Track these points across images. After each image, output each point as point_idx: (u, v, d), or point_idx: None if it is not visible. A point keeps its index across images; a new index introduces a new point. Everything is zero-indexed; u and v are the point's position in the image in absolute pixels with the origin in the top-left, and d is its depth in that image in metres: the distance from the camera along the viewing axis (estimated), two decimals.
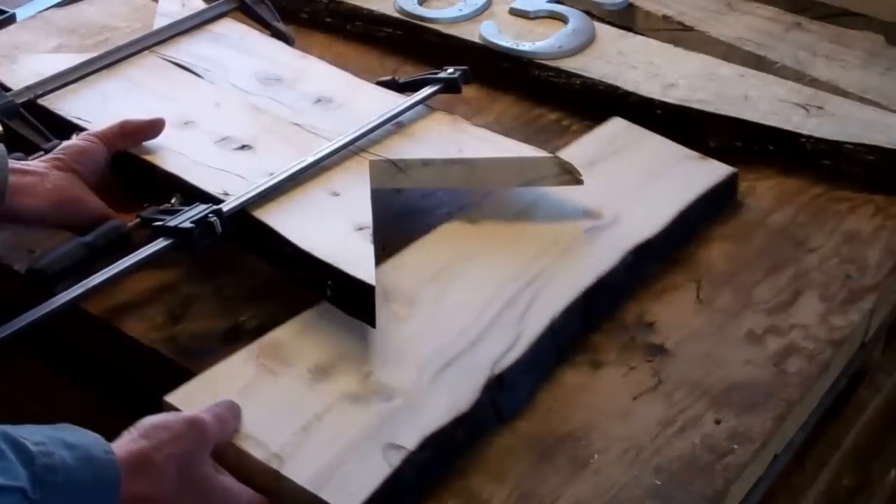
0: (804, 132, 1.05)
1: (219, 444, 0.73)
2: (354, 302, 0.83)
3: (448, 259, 0.91)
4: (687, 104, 1.09)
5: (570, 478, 0.75)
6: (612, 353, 0.86)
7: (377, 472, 0.73)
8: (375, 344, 0.83)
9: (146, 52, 1.14)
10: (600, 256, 0.92)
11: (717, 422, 0.79)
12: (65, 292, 0.82)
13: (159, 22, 1.19)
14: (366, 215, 0.90)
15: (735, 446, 0.77)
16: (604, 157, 1.04)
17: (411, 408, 0.78)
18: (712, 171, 1.03)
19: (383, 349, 0.82)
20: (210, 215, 0.87)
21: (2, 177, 0.86)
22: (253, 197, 0.91)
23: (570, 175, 0.96)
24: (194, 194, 0.92)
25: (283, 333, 0.84)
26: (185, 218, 0.87)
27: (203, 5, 1.23)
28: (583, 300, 0.88)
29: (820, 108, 1.09)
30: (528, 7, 1.26)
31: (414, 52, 1.24)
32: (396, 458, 0.74)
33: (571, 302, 0.87)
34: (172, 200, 0.91)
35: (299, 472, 0.72)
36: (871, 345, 0.99)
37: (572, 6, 1.27)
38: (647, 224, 0.95)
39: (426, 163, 0.97)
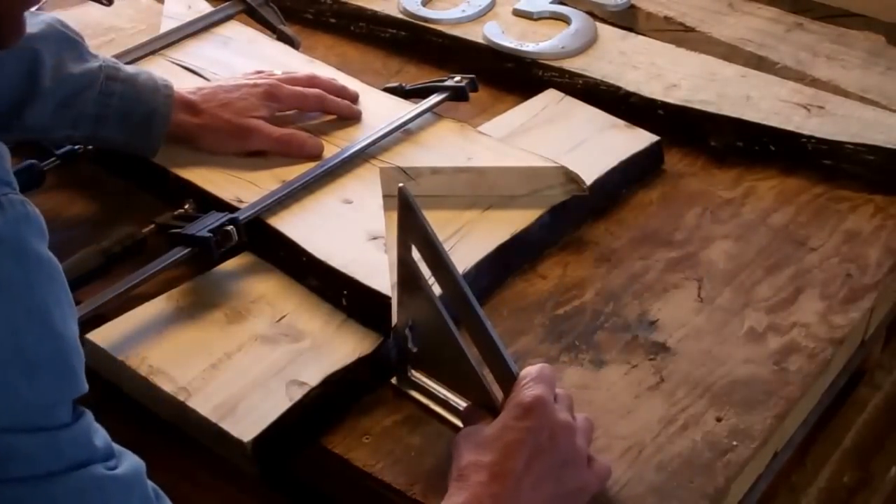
0: (805, 132, 1.05)
1: (135, 376, 0.79)
2: (369, 312, 0.84)
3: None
4: (689, 104, 1.10)
5: None
6: (614, 352, 0.86)
7: (277, 405, 0.76)
8: (292, 292, 0.87)
9: (155, 55, 1.14)
10: (518, 215, 0.96)
11: (719, 419, 0.80)
12: (84, 303, 0.81)
13: (166, 24, 1.19)
14: (378, 224, 0.91)
15: (736, 444, 0.78)
16: (535, 125, 1.08)
17: (318, 349, 0.81)
18: (636, 139, 1.06)
19: (299, 296, 0.86)
20: (227, 224, 0.87)
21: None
22: (268, 205, 0.91)
23: (576, 184, 0.97)
24: (207, 200, 0.93)
25: (204, 280, 0.88)
26: (203, 226, 0.87)
27: (208, 7, 1.23)
28: (496, 255, 0.92)
29: (821, 107, 1.09)
30: (532, 8, 1.26)
31: (417, 52, 1.24)
32: (298, 394, 0.77)
33: (484, 257, 0.91)
34: (186, 206, 0.91)
35: (203, 405, 0.77)
36: (871, 343, 0.99)
37: (575, 7, 1.27)
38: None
39: (435, 171, 0.98)
